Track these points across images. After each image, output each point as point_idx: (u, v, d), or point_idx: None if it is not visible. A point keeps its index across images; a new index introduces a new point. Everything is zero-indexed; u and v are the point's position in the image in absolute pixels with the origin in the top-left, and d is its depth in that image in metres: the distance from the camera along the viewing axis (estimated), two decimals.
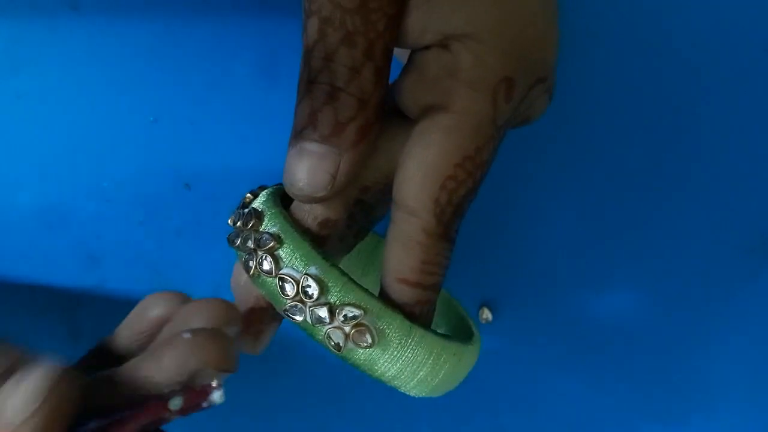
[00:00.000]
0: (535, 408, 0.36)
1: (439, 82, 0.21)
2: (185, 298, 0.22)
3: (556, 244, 0.34)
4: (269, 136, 0.32)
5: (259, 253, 0.21)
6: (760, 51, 0.33)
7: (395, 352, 0.21)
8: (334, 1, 0.20)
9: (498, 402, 0.36)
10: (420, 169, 0.21)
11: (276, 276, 0.21)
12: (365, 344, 0.21)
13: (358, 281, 0.22)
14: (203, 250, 0.33)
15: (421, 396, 0.22)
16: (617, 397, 0.36)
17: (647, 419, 0.37)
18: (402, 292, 0.22)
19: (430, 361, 0.21)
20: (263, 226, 0.22)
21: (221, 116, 0.32)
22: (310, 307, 0.21)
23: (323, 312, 0.21)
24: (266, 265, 0.21)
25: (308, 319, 0.21)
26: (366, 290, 0.21)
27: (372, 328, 0.21)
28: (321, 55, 0.20)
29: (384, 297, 0.22)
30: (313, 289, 0.21)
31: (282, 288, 0.21)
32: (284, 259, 0.21)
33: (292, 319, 0.21)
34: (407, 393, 0.22)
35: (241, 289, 0.24)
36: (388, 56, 0.21)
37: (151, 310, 0.22)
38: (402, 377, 0.21)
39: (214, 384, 0.20)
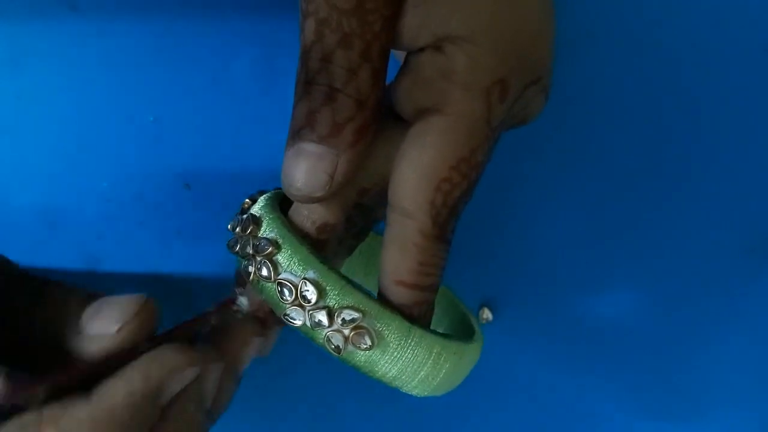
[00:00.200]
0: (535, 407, 0.36)
1: (434, 84, 0.21)
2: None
3: (556, 244, 0.34)
4: (269, 136, 0.32)
5: (258, 258, 0.21)
6: (760, 51, 0.33)
7: (395, 353, 0.21)
8: (331, 3, 0.20)
9: (498, 401, 0.36)
10: (415, 171, 0.21)
11: (274, 281, 0.21)
12: (365, 346, 0.21)
13: (360, 281, 0.22)
14: (203, 250, 0.33)
15: (423, 395, 0.22)
16: (617, 396, 0.36)
17: (647, 419, 0.37)
18: (400, 294, 0.22)
19: (430, 361, 0.21)
20: (261, 232, 0.22)
21: (221, 116, 0.32)
22: (308, 311, 0.21)
23: (322, 316, 0.21)
24: (265, 271, 0.21)
25: (307, 323, 0.21)
26: (364, 293, 0.21)
27: (371, 330, 0.21)
28: (318, 56, 0.20)
29: (382, 299, 0.22)
30: (312, 294, 0.21)
31: (281, 293, 0.21)
32: (282, 265, 0.21)
33: (292, 323, 0.21)
34: (409, 393, 0.22)
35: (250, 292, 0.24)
36: (384, 57, 0.21)
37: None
38: (403, 377, 0.22)
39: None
